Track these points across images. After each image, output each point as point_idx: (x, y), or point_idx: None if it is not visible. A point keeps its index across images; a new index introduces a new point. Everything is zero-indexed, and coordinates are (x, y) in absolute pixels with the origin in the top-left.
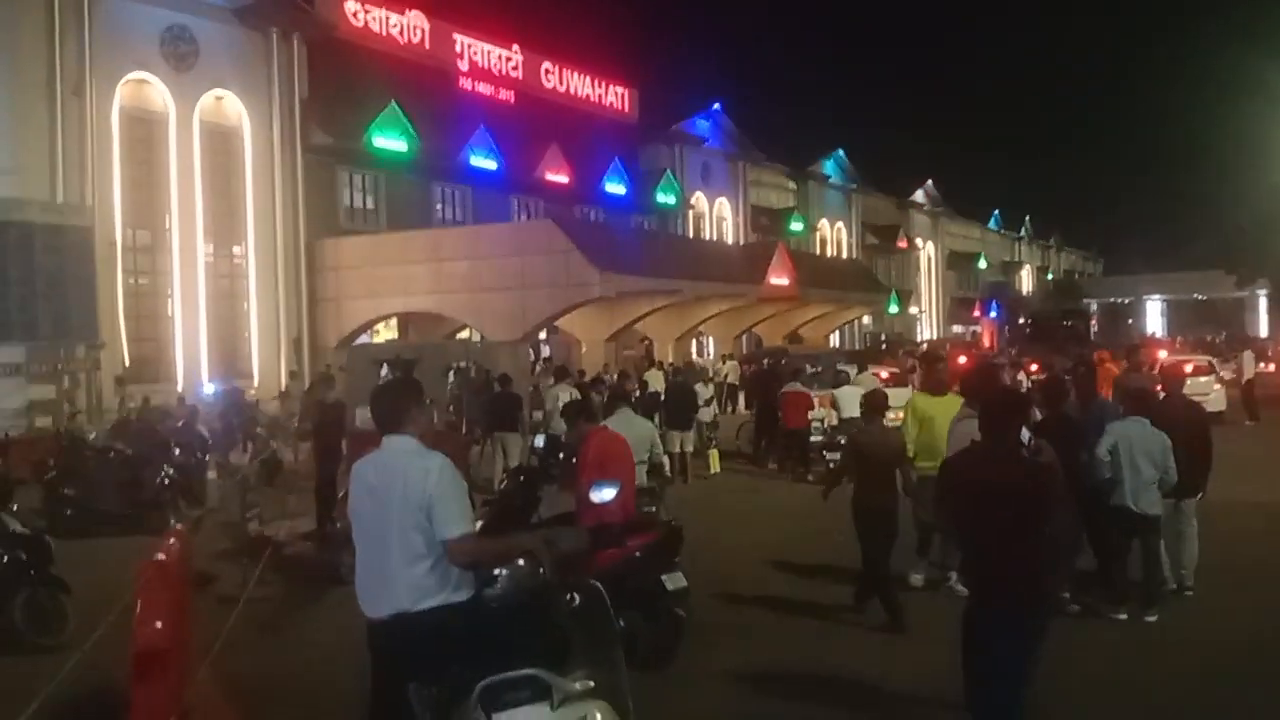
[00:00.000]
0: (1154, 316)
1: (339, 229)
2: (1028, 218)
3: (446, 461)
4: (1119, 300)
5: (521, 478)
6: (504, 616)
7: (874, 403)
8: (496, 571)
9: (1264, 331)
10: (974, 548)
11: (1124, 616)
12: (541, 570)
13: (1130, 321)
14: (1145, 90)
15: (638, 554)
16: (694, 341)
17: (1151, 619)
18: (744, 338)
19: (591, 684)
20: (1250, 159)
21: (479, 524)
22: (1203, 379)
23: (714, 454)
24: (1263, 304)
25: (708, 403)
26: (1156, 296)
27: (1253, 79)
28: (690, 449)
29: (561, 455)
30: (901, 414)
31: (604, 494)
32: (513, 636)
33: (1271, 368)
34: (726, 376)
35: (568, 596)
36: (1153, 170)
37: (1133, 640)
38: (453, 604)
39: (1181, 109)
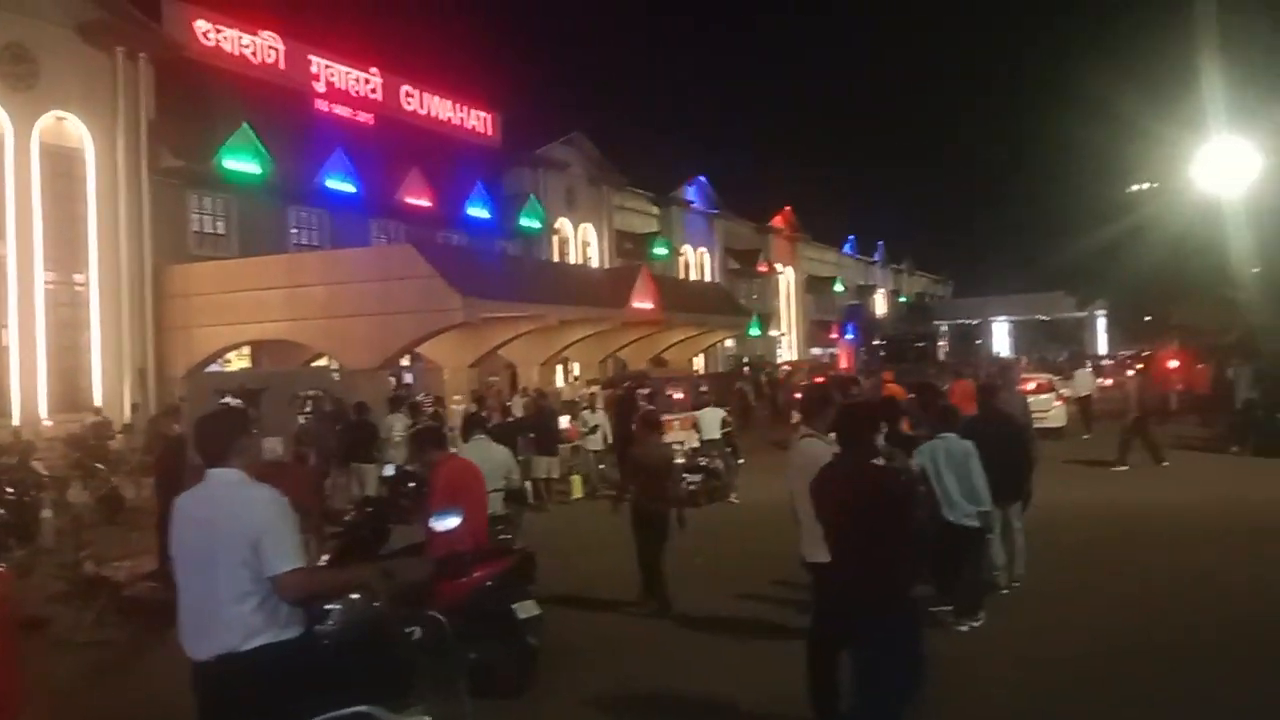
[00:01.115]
0: (1001, 336)
1: (188, 254)
2: (881, 243)
3: (274, 493)
4: (968, 321)
5: (370, 509)
6: (337, 653)
7: (649, 420)
8: (329, 606)
9: (1103, 349)
10: (841, 556)
11: (965, 629)
12: (376, 604)
13: (979, 342)
14: (992, 120)
15: (489, 583)
16: (559, 366)
17: (977, 624)
18: (609, 362)
19: (428, 718)
20: (1091, 188)
21: (326, 557)
22: (1043, 396)
23: (576, 479)
24: (1101, 324)
25: (593, 429)
26: (1003, 317)
27: (1095, 111)
28: (555, 475)
29: (412, 484)
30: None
31: (445, 523)
32: (346, 673)
33: (1109, 383)
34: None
35: (408, 630)
36: (999, 197)
37: (970, 647)
38: (282, 641)
39: (1027, 139)
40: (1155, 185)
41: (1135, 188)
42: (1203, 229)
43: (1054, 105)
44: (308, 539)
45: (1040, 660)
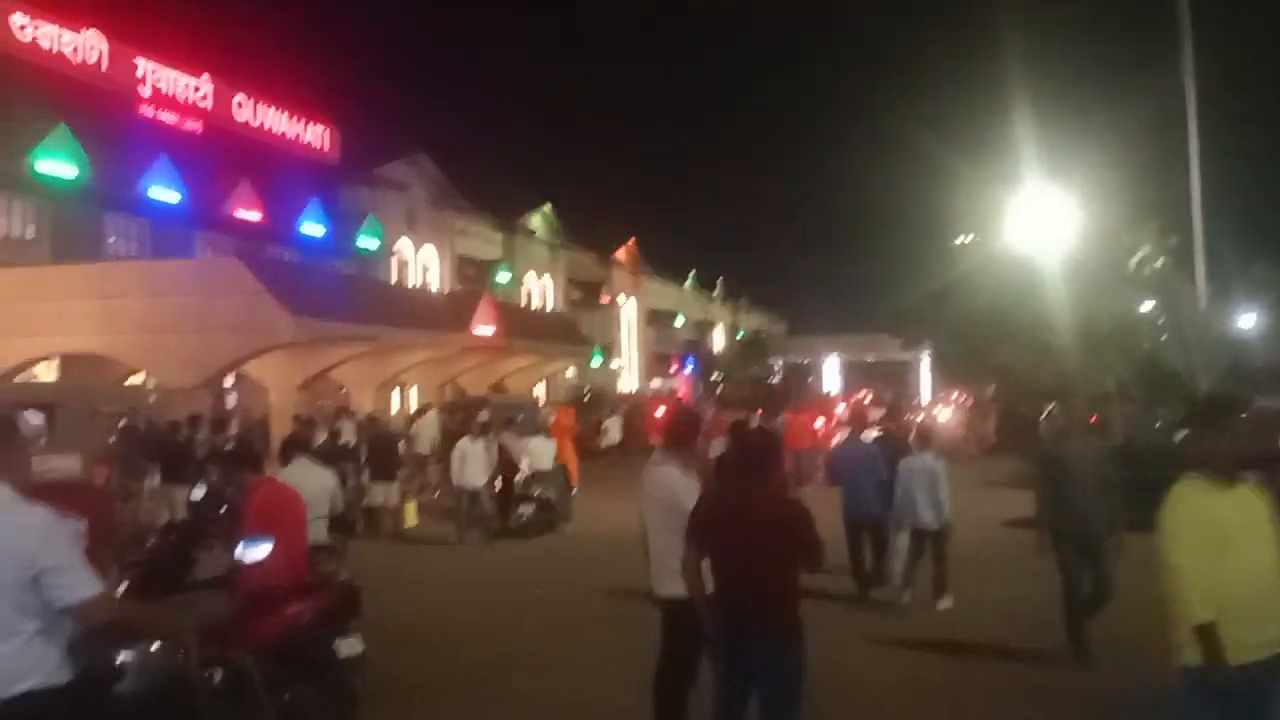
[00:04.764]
0: (831, 375)
1: None
2: (721, 279)
3: (50, 514)
4: (801, 360)
5: (174, 535)
6: (120, 703)
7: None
8: (120, 659)
9: (925, 390)
10: (740, 588)
11: (941, 607)
12: (181, 655)
13: (811, 379)
14: (829, 167)
15: (306, 619)
16: (395, 390)
17: (950, 605)
18: (448, 387)
19: None
20: (918, 237)
21: (125, 585)
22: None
23: (410, 507)
24: (924, 365)
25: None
26: (833, 356)
27: (923, 164)
28: (393, 502)
29: (223, 509)
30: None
31: (255, 552)
32: None
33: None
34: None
35: (208, 673)
36: (834, 241)
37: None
38: (51, 687)
39: (861, 187)
40: (978, 239)
41: (960, 239)
42: (1023, 278)
43: (887, 157)
44: (106, 567)
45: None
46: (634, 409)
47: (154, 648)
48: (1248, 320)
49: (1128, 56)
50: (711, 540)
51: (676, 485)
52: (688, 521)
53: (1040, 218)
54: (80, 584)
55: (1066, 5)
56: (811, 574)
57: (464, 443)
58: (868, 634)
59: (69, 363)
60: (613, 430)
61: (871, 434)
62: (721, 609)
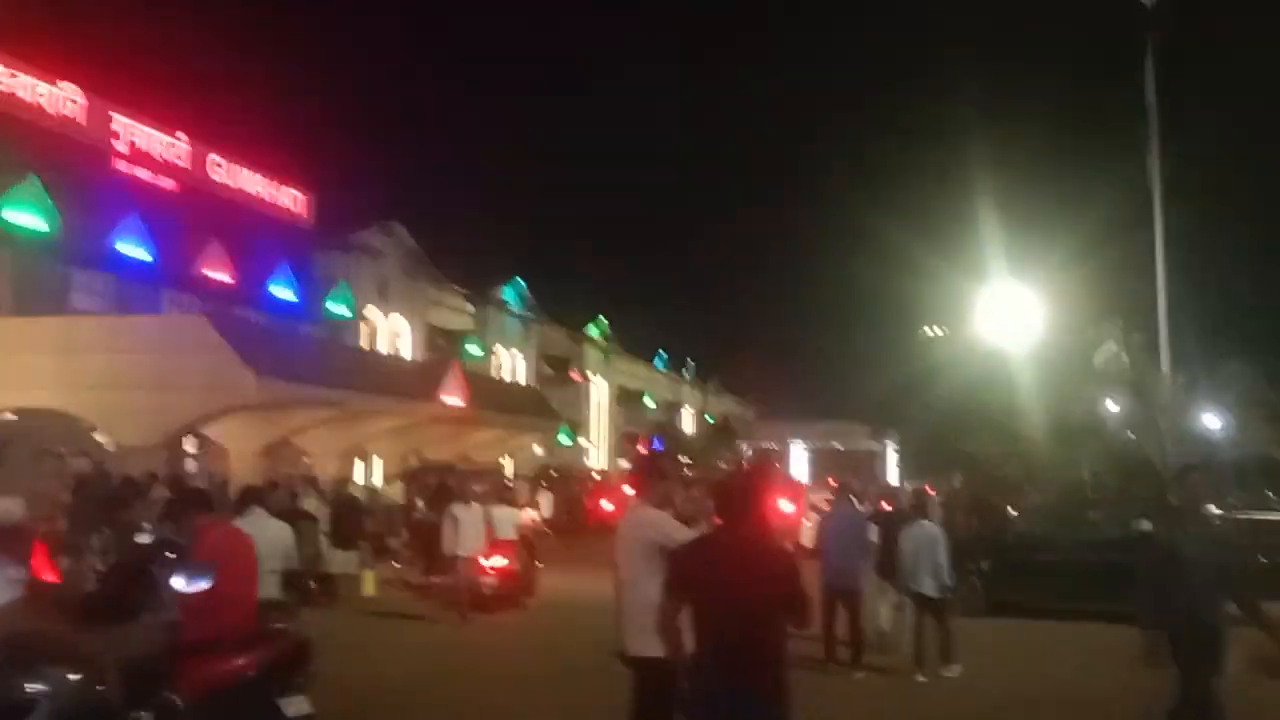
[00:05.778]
0: (799, 461)
1: None
2: (691, 361)
3: None
4: (770, 445)
5: (115, 575)
6: None
7: None
8: (31, 689)
9: (893, 478)
10: (722, 641)
11: (950, 674)
12: (101, 688)
13: (778, 465)
14: (797, 256)
15: (252, 672)
16: (359, 459)
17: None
18: (411, 456)
19: None
20: (886, 328)
21: None
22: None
23: (369, 575)
24: (891, 455)
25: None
26: (801, 443)
27: (889, 257)
28: (353, 570)
29: (172, 555)
30: None
31: (196, 584)
32: None
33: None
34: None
35: (135, 715)
36: (805, 328)
37: None
38: None
39: (830, 278)
40: (945, 331)
41: (927, 330)
42: (991, 371)
43: (858, 249)
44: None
45: None
46: (576, 486)
47: (71, 677)
48: (1214, 421)
49: (1094, 155)
50: (694, 591)
51: (667, 524)
52: (667, 571)
53: (1007, 312)
54: None
55: (1035, 105)
56: (798, 630)
57: (457, 508)
58: (857, 706)
59: (26, 418)
60: (543, 505)
61: (863, 509)
62: (703, 667)
